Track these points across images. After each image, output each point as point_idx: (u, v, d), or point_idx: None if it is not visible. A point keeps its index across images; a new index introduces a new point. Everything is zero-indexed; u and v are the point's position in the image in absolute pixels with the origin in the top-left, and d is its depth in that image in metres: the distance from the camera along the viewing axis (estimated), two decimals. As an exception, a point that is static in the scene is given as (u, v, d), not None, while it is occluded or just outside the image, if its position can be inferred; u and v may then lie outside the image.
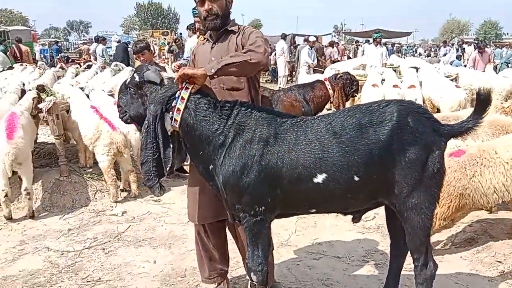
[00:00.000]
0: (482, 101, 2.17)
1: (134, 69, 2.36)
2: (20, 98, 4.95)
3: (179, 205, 4.54)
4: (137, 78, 2.23)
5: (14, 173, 4.03)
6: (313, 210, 2.30)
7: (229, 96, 2.45)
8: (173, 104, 2.16)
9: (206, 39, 2.65)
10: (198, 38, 5.89)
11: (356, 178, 2.09)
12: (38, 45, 27.71)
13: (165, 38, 31.06)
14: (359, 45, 23.01)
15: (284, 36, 16.00)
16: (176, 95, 2.17)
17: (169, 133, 2.20)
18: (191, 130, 2.19)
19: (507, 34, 54.64)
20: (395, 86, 7.34)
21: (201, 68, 2.21)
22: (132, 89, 2.26)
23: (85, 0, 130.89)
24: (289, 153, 2.12)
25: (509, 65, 10.90)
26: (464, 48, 21.56)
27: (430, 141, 2.13)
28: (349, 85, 5.63)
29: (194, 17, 5.60)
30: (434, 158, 2.13)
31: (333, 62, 14.66)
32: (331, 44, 18.06)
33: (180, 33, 28.93)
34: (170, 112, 2.17)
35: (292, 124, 2.19)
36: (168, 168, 2.20)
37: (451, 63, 15.16)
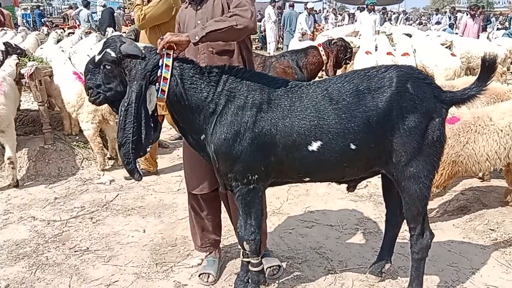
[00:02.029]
0: (487, 68, 2.07)
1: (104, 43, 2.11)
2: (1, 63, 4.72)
3: (169, 173, 4.46)
4: (113, 54, 2.01)
5: (-4, 140, 3.89)
6: (307, 179, 2.22)
7: (218, 60, 2.31)
8: (158, 74, 2.02)
9: (188, 3, 2.47)
10: None
11: (353, 146, 2.01)
12: (20, 10, 26.73)
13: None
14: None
15: (272, 2, 15.58)
16: (160, 64, 2.01)
17: (151, 110, 2.07)
18: (180, 100, 2.07)
19: (499, 2, 53.99)
20: (388, 53, 7.20)
21: (185, 34, 2.06)
22: (108, 67, 2.03)
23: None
24: (283, 119, 2.02)
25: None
26: (456, 17, 21.33)
27: (430, 108, 2.04)
28: (343, 51, 5.33)
29: None
30: (434, 126, 2.05)
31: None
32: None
33: None
34: (156, 84, 2.03)
35: (287, 90, 2.07)
36: (148, 149, 2.09)
37: (444, 31, 15.02)
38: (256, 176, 2.09)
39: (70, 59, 4.85)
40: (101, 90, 2.10)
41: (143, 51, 2.04)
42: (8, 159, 3.86)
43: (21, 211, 3.64)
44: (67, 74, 4.57)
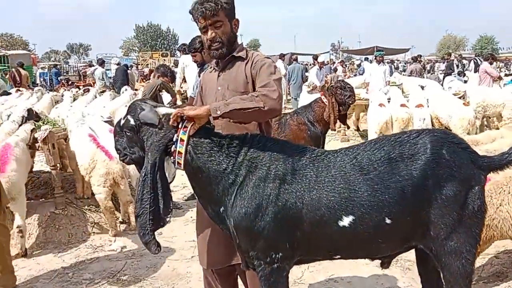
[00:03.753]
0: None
1: (127, 107, 2.08)
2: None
3: (182, 238, 4.27)
4: (132, 121, 1.97)
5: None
6: (338, 256, 2.03)
7: (236, 129, 2.22)
8: (172, 149, 1.92)
9: (212, 68, 2.43)
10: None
11: (388, 221, 1.83)
12: (38, 69, 27.76)
13: (164, 59, 31.20)
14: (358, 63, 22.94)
15: (282, 56, 15.94)
16: (174, 139, 1.92)
17: (170, 180, 1.96)
18: (197, 172, 1.96)
19: (503, 48, 54.88)
20: (402, 105, 7.14)
21: (205, 107, 1.97)
22: (128, 133, 2.00)
23: (85, 23, 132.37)
24: (310, 192, 1.86)
25: None
26: (464, 64, 21.52)
27: (468, 175, 1.88)
28: (340, 91, 4.81)
29: (191, 54, 5.14)
30: (474, 195, 1.88)
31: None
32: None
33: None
34: (172, 157, 1.94)
35: (312, 159, 1.94)
36: (168, 219, 1.96)
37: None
38: (280, 254, 1.91)
39: (84, 120, 4.83)
40: (127, 152, 2.08)
41: (162, 119, 1.95)
42: (18, 227, 3.72)
43: (28, 284, 3.45)
44: (81, 137, 4.53)
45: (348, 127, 5.57)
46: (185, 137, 1.90)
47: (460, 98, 7.97)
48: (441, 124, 7.46)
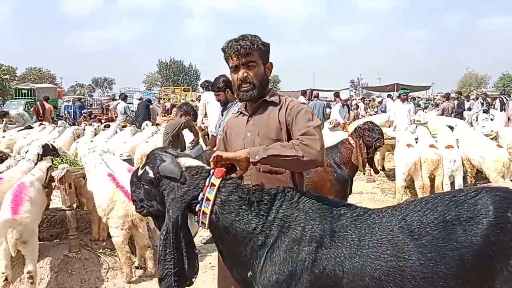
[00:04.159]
0: None
1: (146, 158, 1.89)
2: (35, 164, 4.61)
3: (199, 286, 3.99)
4: (150, 174, 1.79)
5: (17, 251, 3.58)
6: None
7: (265, 179, 2.01)
8: (197, 208, 1.73)
9: (239, 112, 2.28)
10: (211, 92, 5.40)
11: (444, 296, 1.56)
12: (63, 102, 28.51)
13: (186, 94, 31.69)
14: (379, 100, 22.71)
15: (304, 93, 15.89)
16: (199, 198, 1.72)
17: (195, 234, 1.75)
18: (223, 233, 1.74)
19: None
20: (431, 146, 6.83)
21: (244, 150, 1.82)
22: (146, 186, 1.82)
23: (109, 58, 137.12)
24: (352, 258, 1.62)
25: None
26: (489, 102, 21.09)
27: (540, 243, 1.61)
28: (369, 133, 4.62)
29: (214, 93, 4.99)
30: (546, 266, 1.60)
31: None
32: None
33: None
34: (195, 216, 1.74)
35: (353, 218, 1.70)
36: (194, 279, 1.74)
37: (477, 118, 14.65)
38: (316, 329, 1.65)
39: (102, 159, 4.69)
40: (144, 204, 1.89)
41: (185, 173, 1.75)
42: (28, 273, 3.51)
43: (35, 336, 3.21)
44: (100, 176, 4.38)
45: (377, 172, 5.21)
46: (211, 196, 1.70)
47: (492, 139, 7.61)
48: (472, 166, 7.11)
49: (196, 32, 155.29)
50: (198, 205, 1.72)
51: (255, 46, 2.04)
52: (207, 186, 1.72)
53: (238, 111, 2.31)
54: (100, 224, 4.59)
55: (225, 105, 4.90)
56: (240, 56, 2.03)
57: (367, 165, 4.82)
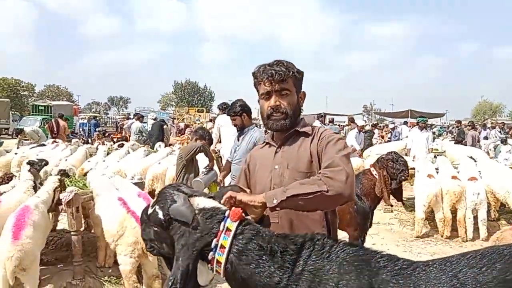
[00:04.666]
0: None
1: (156, 197, 1.67)
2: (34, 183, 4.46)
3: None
4: (160, 215, 1.57)
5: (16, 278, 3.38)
6: None
7: (295, 217, 1.81)
8: (210, 256, 1.51)
9: (265, 143, 2.08)
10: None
11: None
12: (79, 119, 28.83)
13: (200, 115, 31.79)
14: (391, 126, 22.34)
15: (320, 117, 15.66)
16: (213, 245, 1.50)
17: (206, 283, 1.54)
18: (241, 285, 1.52)
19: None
20: (453, 177, 6.55)
21: (260, 195, 1.61)
22: (155, 228, 1.61)
23: (126, 78, 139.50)
24: (394, 320, 1.38)
25: None
26: (507, 132, 20.62)
27: None
28: (392, 164, 4.42)
29: (231, 117, 4.80)
30: None
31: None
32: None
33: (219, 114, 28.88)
34: (209, 264, 1.52)
35: (395, 273, 1.45)
36: None
37: (494, 148, 14.28)
38: None
39: (112, 182, 4.51)
40: (154, 244, 1.67)
41: (198, 216, 1.54)
42: (28, 303, 3.31)
43: None
44: (110, 200, 4.19)
45: (404, 204, 4.94)
46: (227, 243, 1.48)
47: (516, 171, 7.29)
48: (496, 200, 6.80)
49: (211, 55, 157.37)
50: (212, 253, 1.50)
51: (290, 73, 1.86)
52: (222, 231, 1.50)
53: (264, 142, 2.11)
54: (107, 251, 4.39)
55: (241, 130, 4.74)
56: (273, 82, 1.85)
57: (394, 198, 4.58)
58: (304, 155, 1.86)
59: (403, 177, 4.33)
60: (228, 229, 1.49)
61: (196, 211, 1.54)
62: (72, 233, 4.09)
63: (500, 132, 20.50)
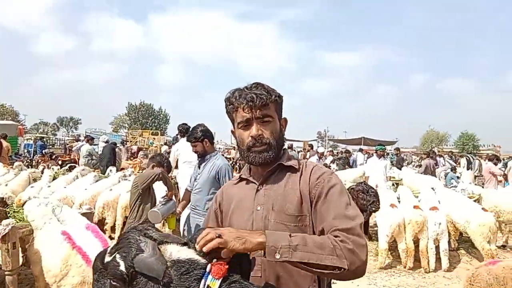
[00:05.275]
0: None
1: (115, 245, 1.32)
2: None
3: None
4: (122, 267, 1.23)
5: None
6: None
7: (282, 270, 1.52)
8: None
9: (241, 178, 1.76)
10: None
11: None
12: (24, 140, 27.17)
13: (154, 138, 30.93)
14: (349, 154, 22.71)
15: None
16: None
17: None
18: None
19: (484, 145, 56.53)
20: (415, 207, 6.51)
21: (256, 239, 1.30)
22: (113, 283, 1.25)
23: (78, 98, 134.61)
24: None
25: None
26: (456, 160, 21.54)
27: None
28: (363, 195, 4.05)
29: (191, 144, 4.44)
30: None
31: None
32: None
33: (176, 136, 27.94)
34: None
35: None
36: None
37: (445, 176, 14.77)
38: None
39: (54, 213, 3.98)
40: None
41: (170, 270, 1.22)
42: None
43: None
44: (52, 234, 3.69)
45: (370, 238, 4.73)
46: None
47: (475, 201, 7.40)
48: (456, 229, 6.83)
49: (168, 77, 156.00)
50: None
51: (272, 96, 1.61)
52: (206, 282, 1.19)
53: (239, 177, 1.79)
54: (47, 293, 3.84)
55: (202, 157, 4.42)
56: (254, 108, 1.58)
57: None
58: (293, 195, 1.57)
59: (373, 209, 4.13)
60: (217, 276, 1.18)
61: (168, 264, 1.22)
62: (6, 272, 3.55)
63: (449, 161, 21.39)
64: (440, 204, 6.96)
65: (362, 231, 1.42)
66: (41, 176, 8.77)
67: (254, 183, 1.67)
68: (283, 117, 1.72)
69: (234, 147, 29.13)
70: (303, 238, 1.33)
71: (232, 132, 1.70)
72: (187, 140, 4.57)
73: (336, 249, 1.32)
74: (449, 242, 6.73)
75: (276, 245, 1.28)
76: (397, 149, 19.89)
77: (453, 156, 22.56)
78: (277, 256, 1.27)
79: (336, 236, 1.38)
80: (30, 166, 13.41)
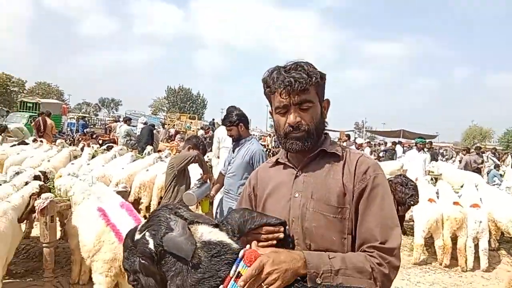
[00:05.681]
0: None
1: (147, 219, 1.30)
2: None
3: None
4: (150, 245, 1.20)
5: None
6: None
7: (319, 239, 1.43)
8: None
9: (277, 162, 1.64)
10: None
11: None
12: (67, 119, 28.21)
13: (191, 122, 31.34)
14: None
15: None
16: None
17: None
18: None
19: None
20: (455, 203, 6.24)
21: (298, 262, 1.23)
22: (142, 261, 1.22)
23: (119, 80, 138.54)
24: None
25: None
26: (499, 158, 20.59)
27: None
28: (401, 188, 4.09)
29: (226, 128, 4.37)
30: None
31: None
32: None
33: (213, 120, 28.17)
34: None
35: None
36: None
37: (487, 173, 14.13)
38: None
39: (92, 190, 4.08)
40: (138, 277, 1.29)
41: (200, 252, 1.18)
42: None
43: None
44: (88, 210, 3.78)
45: (405, 232, 4.58)
46: None
47: (519, 200, 7.01)
48: (497, 228, 6.50)
49: (207, 62, 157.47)
50: None
51: (313, 79, 1.43)
52: (232, 277, 1.15)
53: (276, 160, 1.67)
54: (82, 266, 3.96)
55: (237, 141, 4.37)
56: (292, 93, 1.43)
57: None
58: (334, 185, 1.44)
59: (412, 203, 3.97)
60: (240, 275, 1.13)
61: (198, 245, 1.18)
62: (44, 244, 3.66)
63: (492, 157, 20.45)
64: (482, 201, 6.65)
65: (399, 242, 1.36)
66: (81, 154, 9.06)
67: (293, 168, 1.55)
68: (325, 98, 1.57)
69: (269, 134, 29.01)
70: (343, 261, 1.27)
71: (271, 113, 1.61)
72: (222, 124, 4.53)
73: (373, 272, 1.29)
74: (489, 241, 6.43)
75: (318, 270, 1.23)
76: (430, 143, 19.17)
77: (497, 154, 21.50)
78: (319, 281, 1.21)
79: (372, 256, 1.32)
80: (72, 144, 13.85)
